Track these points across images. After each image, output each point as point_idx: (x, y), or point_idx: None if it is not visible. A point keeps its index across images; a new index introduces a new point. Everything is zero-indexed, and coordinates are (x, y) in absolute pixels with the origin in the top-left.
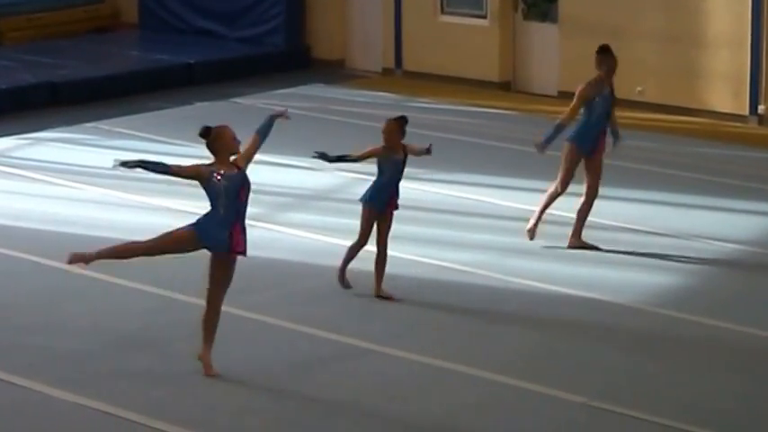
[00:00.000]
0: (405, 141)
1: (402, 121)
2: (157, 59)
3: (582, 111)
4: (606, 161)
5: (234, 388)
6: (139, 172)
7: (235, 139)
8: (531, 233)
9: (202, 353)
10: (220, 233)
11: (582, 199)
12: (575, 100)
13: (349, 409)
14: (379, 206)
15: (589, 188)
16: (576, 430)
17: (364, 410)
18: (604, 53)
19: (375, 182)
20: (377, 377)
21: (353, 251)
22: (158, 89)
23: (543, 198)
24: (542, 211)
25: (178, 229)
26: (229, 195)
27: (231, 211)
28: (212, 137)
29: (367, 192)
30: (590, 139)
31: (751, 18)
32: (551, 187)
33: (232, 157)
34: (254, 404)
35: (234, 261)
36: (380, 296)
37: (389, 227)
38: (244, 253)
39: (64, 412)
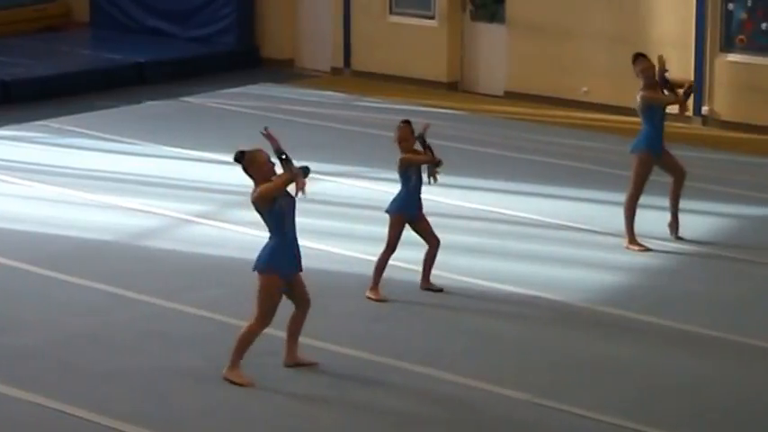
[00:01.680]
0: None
1: (410, 123)
2: (108, 58)
3: (644, 118)
4: (552, 161)
5: (182, 384)
6: (94, 169)
7: (268, 161)
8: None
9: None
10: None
11: (671, 187)
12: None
13: (299, 403)
14: (412, 212)
15: (678, 174)
16: (520, 428)
17: (312, 403)
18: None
19: (402, 190)
20: (324, 375)
21: (384, 261)
22: (109, 88)
23: (626, 213)
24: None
25: (264, 288)
26: (289, 215)
27: (291, 230)
28: (246, 161)
29: (396, 201)
30: (659, 140)
31: (695, 20)
32: (628, 200)
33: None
34: (204, 400)
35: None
36: (429, 288)
37: (428, 224)
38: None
39: (10, 409)
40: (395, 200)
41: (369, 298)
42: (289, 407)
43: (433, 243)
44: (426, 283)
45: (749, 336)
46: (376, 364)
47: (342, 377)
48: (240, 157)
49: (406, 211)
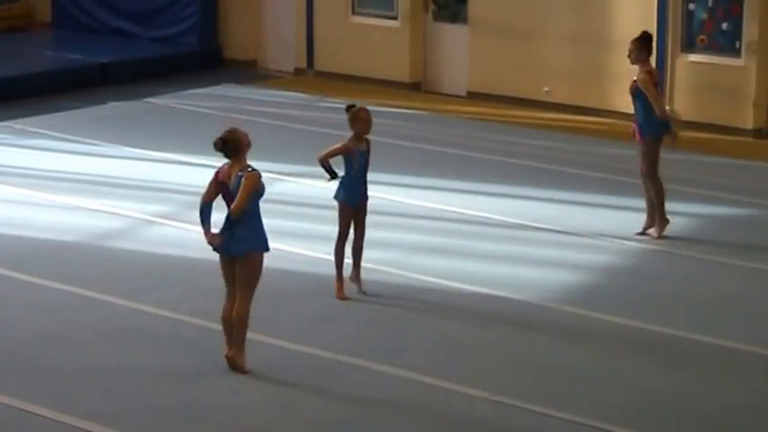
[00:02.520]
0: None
1: (367, 110)
2: (71, 59)
3: (644, 104)
4: (515, 161)
5: (144, 383)
6: (57, 170)
7: (246, 135)
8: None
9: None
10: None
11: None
12: (653, 90)
13: (258, 403)
14: (355, 200)
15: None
16: (479, 426)
17: (271, 404)
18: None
19: (345, 177)
20: (282, 371)
21: (341, 251)
22: (72, 89)
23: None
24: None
25: (257, 267)
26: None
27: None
28: (230, 144)
29: (340, 188)
30: (657, 124)
31: (657, 20)
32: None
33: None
34: (163, 398)
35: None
36: (356, 283)
37: (365, 216)
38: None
39: None
40: (339, 187)
41: (340, 298)
42: (247, 407)
43: (357, 234)
44: (357, 278)
45: (715, 336)
46: (337, 363)
47: (302, 376)
48: (222, 145)
49: (351, 199)
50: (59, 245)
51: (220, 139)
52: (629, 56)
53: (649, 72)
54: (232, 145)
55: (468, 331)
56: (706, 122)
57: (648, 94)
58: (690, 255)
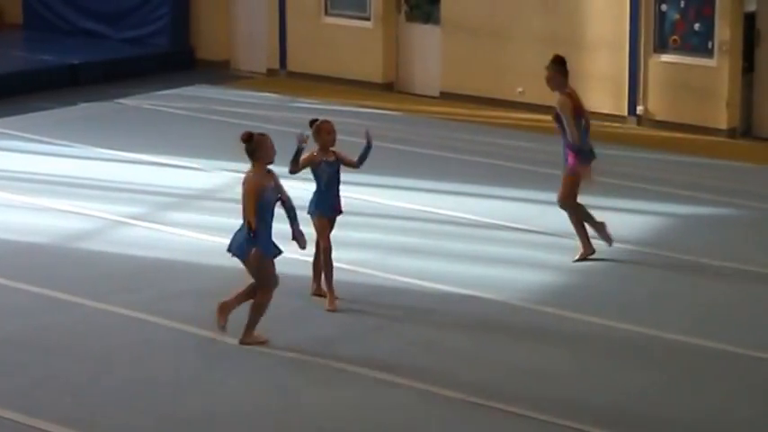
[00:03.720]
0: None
1: (330, 122)
2: (41, 60)
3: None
4: (488, 161)
5: (117, 386)
6: (27, 171)
7: (273, 148)
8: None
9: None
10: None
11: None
12: (570, 116)
13: (235, 405)
14: (328, 212)
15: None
16: (452, 427)
17: (250, 409)
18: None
19: (315, 190)
20: (263, 378)
21: (329, 263)
22: (42, 90)
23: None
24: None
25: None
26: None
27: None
28: (254, 144)
29: (311, 202)
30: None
31: (629, 20)
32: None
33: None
34: (137, 403)
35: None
36: (320, 295)
37: (332, 230)
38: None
39: None
40: (311, 201)
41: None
42: (223, 409)
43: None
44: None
45: (684, 334)
46: (311, 365)
47: (276, 378)
48: (248, 138)
49: (322, 212)
50: (29, 246)
51: (249, 132)
52: (547, 83)
53: (569, 95)
54: (255, 145)
55: (444, 332)
56: (679, 122)
57: (565, 119)
58: (665, 255)
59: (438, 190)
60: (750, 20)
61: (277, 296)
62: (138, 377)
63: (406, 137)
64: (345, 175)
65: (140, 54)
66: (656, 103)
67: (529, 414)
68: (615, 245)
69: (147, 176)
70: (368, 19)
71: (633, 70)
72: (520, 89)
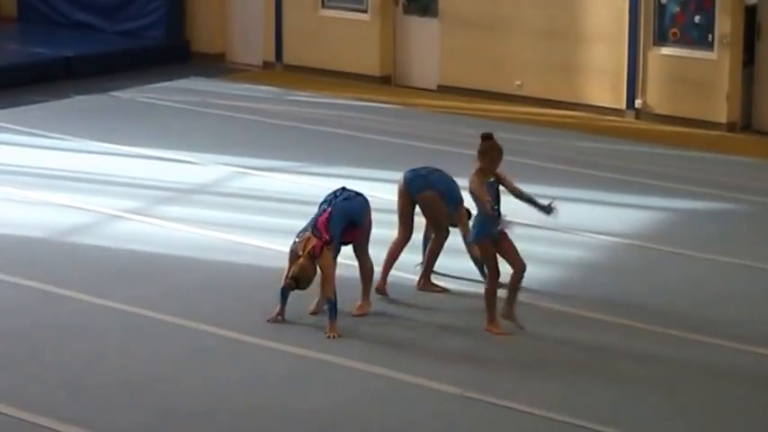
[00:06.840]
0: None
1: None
2: (36, 53)
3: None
4: None
5: (113, 381)
6: (22, 164)
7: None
8: None
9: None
10: None
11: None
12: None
13: (232, 401)
14: (495, 234)
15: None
16: (450, 421)
17: (245, 402)
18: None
19: (477, 215)
20: (257, 370)
21: (493, 291)
22: (37, 82)
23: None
24: None
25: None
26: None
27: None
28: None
29: (473, 229)
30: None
31: (629, 13)
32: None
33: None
34: (133, 399)
35: None
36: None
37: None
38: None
39: None
40: (473, 225)
41: (492, 331)
42: (221, 405)
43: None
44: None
45: (690, 331)
46: (301, 359)
47: (269, 373)
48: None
49: (487, 235)
50: (25, 241)
51: (293, 278)
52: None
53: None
54: (304, 283)
55: (440, 326)
56: (678, 116)
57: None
58: (665, 249)
59: None
60: (751, 13)
61: (276, 296)
62: (134, 372)
63: (403, 130)
64: (339, 170)
65: (135, 47)
66: (655, 97)
67: (525, 409)
68: (616, 240)
69: (142, 170)
70: (365, 11)
71: (632, 63)
72: (518, 82)
